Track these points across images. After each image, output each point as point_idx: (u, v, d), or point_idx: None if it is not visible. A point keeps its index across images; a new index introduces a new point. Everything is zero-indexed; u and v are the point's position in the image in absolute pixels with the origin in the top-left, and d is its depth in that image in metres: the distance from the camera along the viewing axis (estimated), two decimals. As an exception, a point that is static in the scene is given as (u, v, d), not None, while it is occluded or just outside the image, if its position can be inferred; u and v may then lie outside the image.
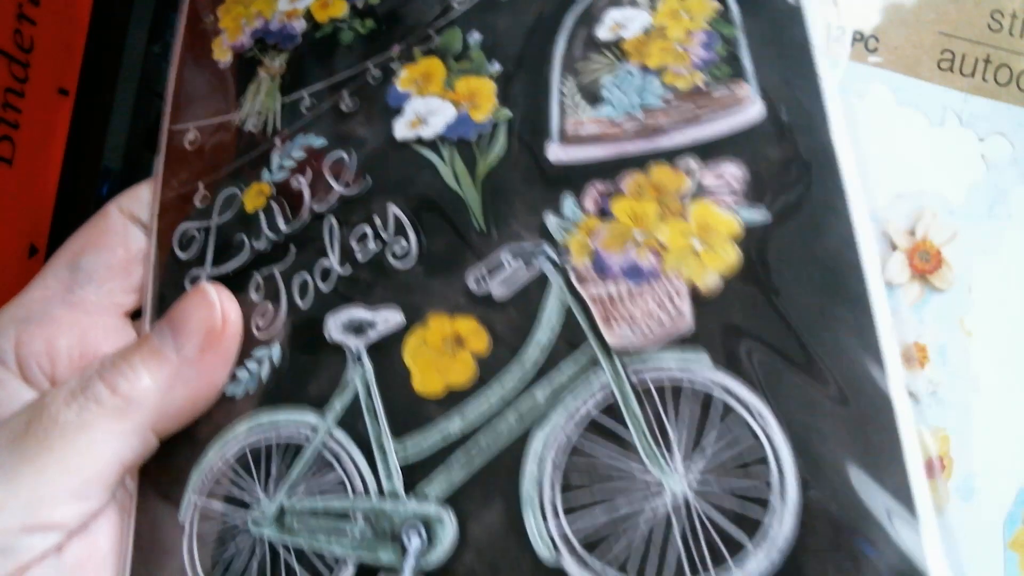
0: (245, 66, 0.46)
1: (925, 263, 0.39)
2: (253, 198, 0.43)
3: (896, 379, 0.32)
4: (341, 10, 0.45)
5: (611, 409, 0.34)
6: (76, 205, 0.67)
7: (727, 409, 0.33)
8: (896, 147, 0.40)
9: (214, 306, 0.39)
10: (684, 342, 0.34)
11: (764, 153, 0.36)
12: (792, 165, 0.35)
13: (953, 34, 0.41)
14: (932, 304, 0.39)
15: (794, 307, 0.33)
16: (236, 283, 0.41)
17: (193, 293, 0.39)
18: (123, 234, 0.43)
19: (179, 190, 0.45)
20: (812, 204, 0.34)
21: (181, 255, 0.43)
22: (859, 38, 0.41)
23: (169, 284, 0.43)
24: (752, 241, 0.35)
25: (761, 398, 0.33)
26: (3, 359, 0.40)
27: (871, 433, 0.31)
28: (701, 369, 0.34)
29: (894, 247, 0.39)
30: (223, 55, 0.47)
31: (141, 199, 0.45)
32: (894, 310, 0.37)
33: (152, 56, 0.67)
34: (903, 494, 0.31)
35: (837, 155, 0.35)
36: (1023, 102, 0.42)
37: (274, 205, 0.42)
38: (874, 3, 0.41)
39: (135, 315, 0.44)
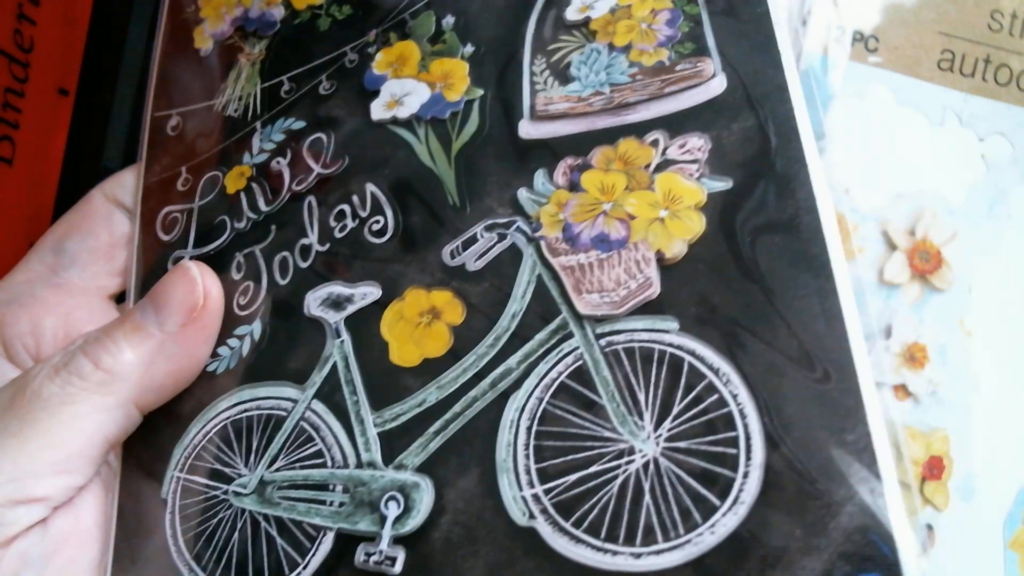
0: (226, 53, 0.48)
1: (925, 263, 0.39)
2: (234, 180, 0.44)
3: (857, 341, 0.32)
4: None
5: (583, 375, 0.35)
6: (76, 205, 0.68)
7: (695, 373, 0.34)
8: (896, 147, 0.40)
9: (196, 282, 0.40)
10: (653, 308, 0.35)
11: (727, 125, 0.36)
12: (753, 135, 0.36)
13: (953, 34, 0.41)
14: (932, 304, 0.39)
15: (758, 273, 0.34)
16: (218, 263, 0.42)
17: (175, 271, 0.40)
18: (107, 218, 0.44)
19: (162, 175, 0.46)
20: (773, 172, 0.35)
21: (164, 238, 0.44)
22: (859, 38, 0.40)
23: (153, 266, 0.44)
24: (717, 210, 0.35)
25: (728, 361, 0.33)
26: None
27: (835, 394, 0.32)
28: (669, 335, 0.34)
29: (894, 247, 0.39)
30: (204, 43, 0.48)
31: (125, 184, 0.45)
32: (894, 310, 0.37)
33: (152, 56, 0.68)
34: (866, 453, 0.31)
35: (797, 125, 0.35)
36: (1023, 102, 0.42)
37: (255, 187, 0.43)
38: (874, 3, 0.41)
39: (119, 299, 0.44)
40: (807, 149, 0.35)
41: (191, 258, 0.43)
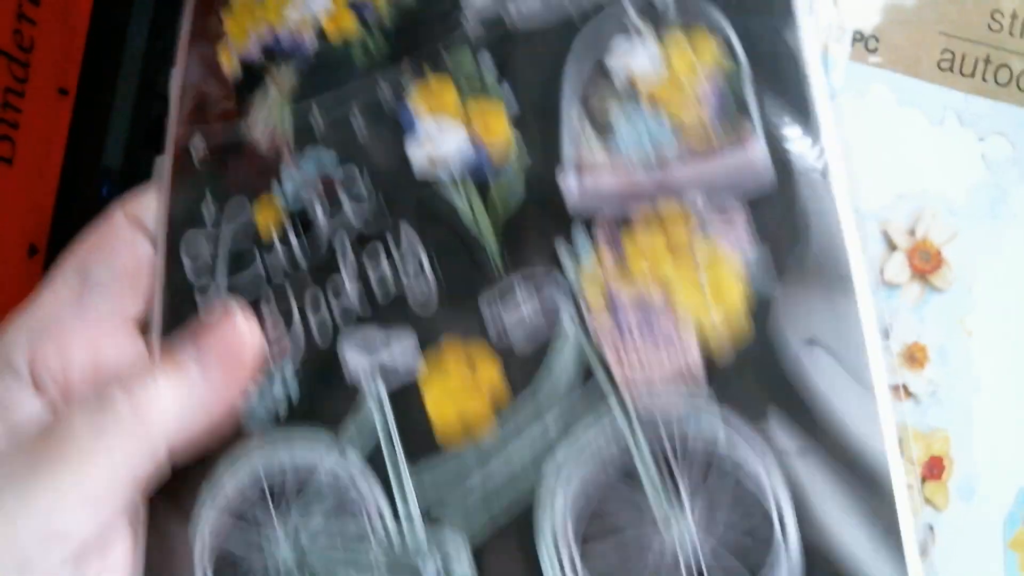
0: (252, 76, 0.46)
1: (925, 263, 0.40)
2: (263, 211, 0.43)
3: (893, 451, 0.33)
4: (352, 25, 0.45)
5: (623, 451, 0.35)
6: (76, 205, 0.67)
7: (734, 463, 0.34)
8: (896, 147, 0.41)
9: (238, 328, 0.39)
10: (692, 388, 0.35)
11: (767, 193, 0.37)
12: (793, 207, 0.36)
13: (953, 34, 0.42)
14: (932, 304, 0.40)
15: (801, 367, 0.34)
16: (246, 295, 0.42)
17: (218, 314, 0.40)
18: (130, 241, 0.43)
19: (186, 200, 0.44)
20: (811, 246, 0.35)
21: (189, 265, 0.43)
22: (859, 38, 0.41)
23: (177, 295, 0.43)
24: (757, 283, 0.36)
25: (768, 454, 0.34)
26: (16, 369, 0.40)
27: (869, 501, 0.33)
28: (709, 421, 0.35)
29: (894, 247, 0.40)
30: (229, 63, 0.47)
31: (145, 205, 0.44)
32: (894, 310, 0.38)
33: (152, 56, 0.67)
34: (897, 560, 0.32)
35: (837, 205, 0.36)
36: (1023, 102, 0.42)
37: (284, 219, 0.42)
38: (874, 3, 0.41)
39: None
40: (847, 234, 0.35)
41: (218, 289, 0.42)
